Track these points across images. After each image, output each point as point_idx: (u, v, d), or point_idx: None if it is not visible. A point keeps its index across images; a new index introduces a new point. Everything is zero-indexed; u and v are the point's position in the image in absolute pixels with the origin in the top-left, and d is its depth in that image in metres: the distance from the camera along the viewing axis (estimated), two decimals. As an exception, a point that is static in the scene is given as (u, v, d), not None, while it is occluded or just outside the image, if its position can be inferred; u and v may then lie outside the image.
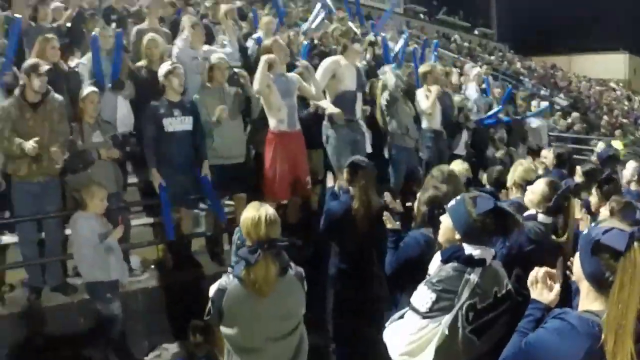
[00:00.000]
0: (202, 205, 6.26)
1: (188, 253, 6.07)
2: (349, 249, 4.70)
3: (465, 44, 28.11)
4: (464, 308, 2.63)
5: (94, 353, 4.96)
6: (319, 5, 10.27)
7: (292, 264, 3.04)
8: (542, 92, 23.20)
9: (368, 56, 8.52)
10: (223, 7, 7.50)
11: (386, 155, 6.92)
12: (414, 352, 2.67)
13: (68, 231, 5.28)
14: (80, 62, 6.18)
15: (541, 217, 3.88)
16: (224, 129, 5.81)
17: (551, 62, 33.45)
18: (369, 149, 6.41)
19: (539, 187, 4.02)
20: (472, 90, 9.50)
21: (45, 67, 5.06)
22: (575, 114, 17.41)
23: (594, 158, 7.83)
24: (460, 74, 10.75)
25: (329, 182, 5.06)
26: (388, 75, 6.94)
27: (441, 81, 7.86)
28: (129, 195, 6.51)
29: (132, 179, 6.63)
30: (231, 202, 6.44)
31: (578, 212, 4.52)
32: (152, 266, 6.04)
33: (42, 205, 5.16)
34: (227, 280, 2.91)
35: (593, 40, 36.15)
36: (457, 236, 2.78)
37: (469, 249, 2.73)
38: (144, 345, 5.39)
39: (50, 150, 4.92)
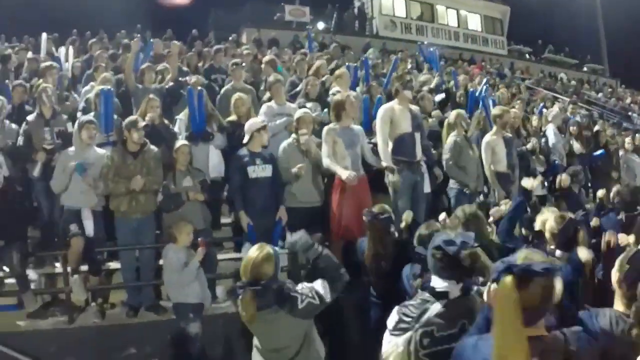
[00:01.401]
0: (281, 243, 7.02)
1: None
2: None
3: (572, 82, 27.61)
4: (418, 333, 2.88)
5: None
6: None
7: (290, 299, 3.53)
8: (652, 128, 22.42)
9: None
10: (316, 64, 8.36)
11: (448, 195, 7.34)
12: None
13: (161, 261, 6.17)
14: (178, 118, 7.26)
15: (558, 253, 4.09)
16: (303, 176, 6.48)
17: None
18: (427, 189, 6.82)
19: (549, 224, 4.29)
20: (550, 132, 9.73)
21: (142, 123, 6.20)
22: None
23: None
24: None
25: None
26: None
27: (512, 124, 8.21)
28: (224, 233, 7.48)
29: (226, 219, 7.59)
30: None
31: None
32: (235, 296, 6.79)
33: (139, 238, 6.16)
34: None
35: None
36: None
37: (434, 282, 3.00)
38: (221, 364, 6.06)
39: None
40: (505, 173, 7.51)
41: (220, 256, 6.85)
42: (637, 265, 2.90)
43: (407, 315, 2.94)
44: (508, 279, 2.11)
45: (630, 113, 24.18)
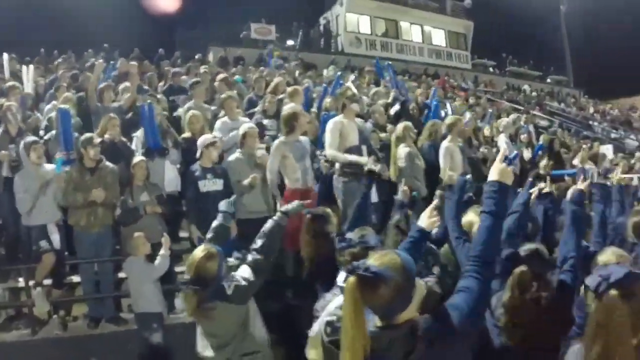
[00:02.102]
0: (236, 254, 7.22)
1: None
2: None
3: (534, 93, 28.36)
4: (324, 322, 3.13)
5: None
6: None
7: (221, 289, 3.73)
8: (613, 135, 23.10)
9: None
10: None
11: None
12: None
13: (122, 274, 6.47)
14: (135, 136, 7.51)
15: None
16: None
17: (631, 103, 32.88)
18: (374, 199, 6.99)
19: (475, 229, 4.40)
20: (502, 141, 10.15)
21: (97, 140, 6.48)
22: (639, 154, 17.15)
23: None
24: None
25: None
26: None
27: (464, 134, 8.59)
28: (182, 246, 7.59)
29: (184, 233, 7.71)
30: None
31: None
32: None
33: (98, 251, 6.39)
34: None
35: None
36: None
37: (339, 277, 3.26)
38: (181, 372, 6.32)
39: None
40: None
41: (178, 268, 7.03)
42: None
43: (320, 307, 3.25)
44: (351, 280, 2.22)
45: (591, 122, 24.92)
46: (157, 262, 5.80)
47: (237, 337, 3.83)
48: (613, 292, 2.22)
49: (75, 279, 6.80)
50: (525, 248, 3.46)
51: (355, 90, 7.34)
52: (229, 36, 25.76)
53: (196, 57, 19.14)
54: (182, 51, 21.15)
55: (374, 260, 2.29)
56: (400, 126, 7.84)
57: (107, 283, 6.53)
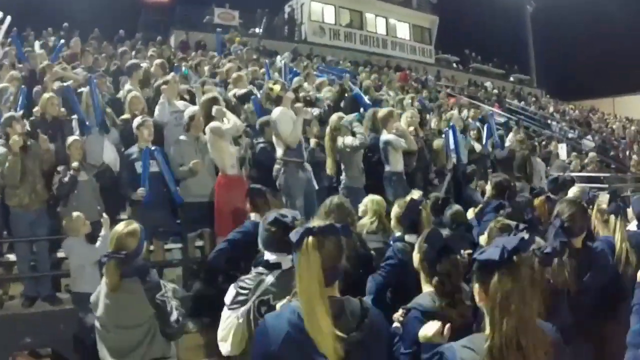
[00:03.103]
0: (172, 238, 7.22)
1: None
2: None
3: (495, 90, 28.74)
4: (256, 303, 3.07)
5: (70, 355, 5.79)
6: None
7: (152, 276, 3.82)
8: (570, 135, 23.53)
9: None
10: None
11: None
12: (225, 337, 3.18)
13: (61, 253, 6.47)
14: (74, 118, 7.39)
15: (407, 237, 4.25)
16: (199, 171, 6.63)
17: (591, 105, 33.60)
18: (315, 186, 7.14)
19: (394, 210, 4.57)
20: (450, 134, 10.28)
21: (19, 114, 6.49)
22: (592, 155, 17.53)
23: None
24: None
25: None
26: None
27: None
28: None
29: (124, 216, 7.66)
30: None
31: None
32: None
33: (35, 230, 6.36)
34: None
35: (636, 80, 32.97)
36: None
37: (267, 255, 3.23)
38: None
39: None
40: (399, 172, 7.92)
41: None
42: (434, 243, 3.19)
43: (244, 289, 3.18)
44: (310, 239, 2.27)
45: (549, 121, 25.34)
46: (98, 243, 5.76)
47: (147, 336, 3.76)
48: (515, 258, 2.18)
49: (12, 257, 6.75)
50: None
51: (279, 85, 7.33)
52: (192, 20, 25.58)
53: (157, 39, 18.98)
54: (145, 33, 20.95)
55: (317, 223, 2.37)
56: (334, 118, 7.71)
57: (44, 262, 6.49)
